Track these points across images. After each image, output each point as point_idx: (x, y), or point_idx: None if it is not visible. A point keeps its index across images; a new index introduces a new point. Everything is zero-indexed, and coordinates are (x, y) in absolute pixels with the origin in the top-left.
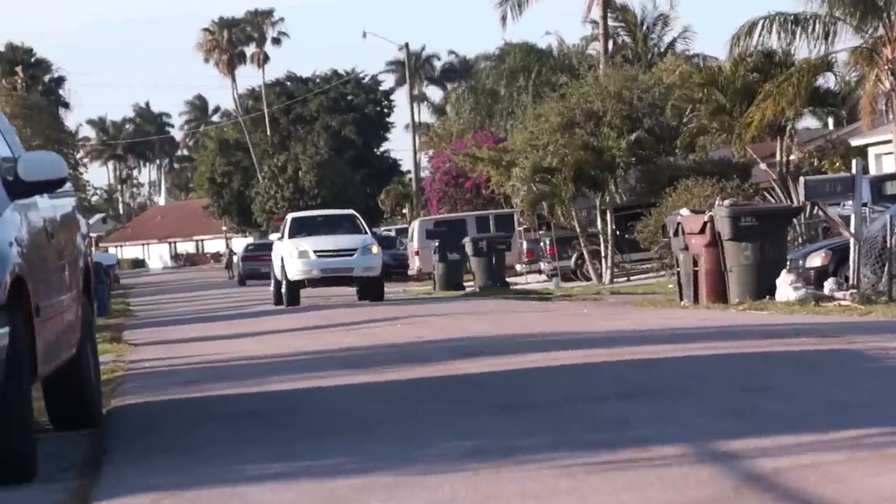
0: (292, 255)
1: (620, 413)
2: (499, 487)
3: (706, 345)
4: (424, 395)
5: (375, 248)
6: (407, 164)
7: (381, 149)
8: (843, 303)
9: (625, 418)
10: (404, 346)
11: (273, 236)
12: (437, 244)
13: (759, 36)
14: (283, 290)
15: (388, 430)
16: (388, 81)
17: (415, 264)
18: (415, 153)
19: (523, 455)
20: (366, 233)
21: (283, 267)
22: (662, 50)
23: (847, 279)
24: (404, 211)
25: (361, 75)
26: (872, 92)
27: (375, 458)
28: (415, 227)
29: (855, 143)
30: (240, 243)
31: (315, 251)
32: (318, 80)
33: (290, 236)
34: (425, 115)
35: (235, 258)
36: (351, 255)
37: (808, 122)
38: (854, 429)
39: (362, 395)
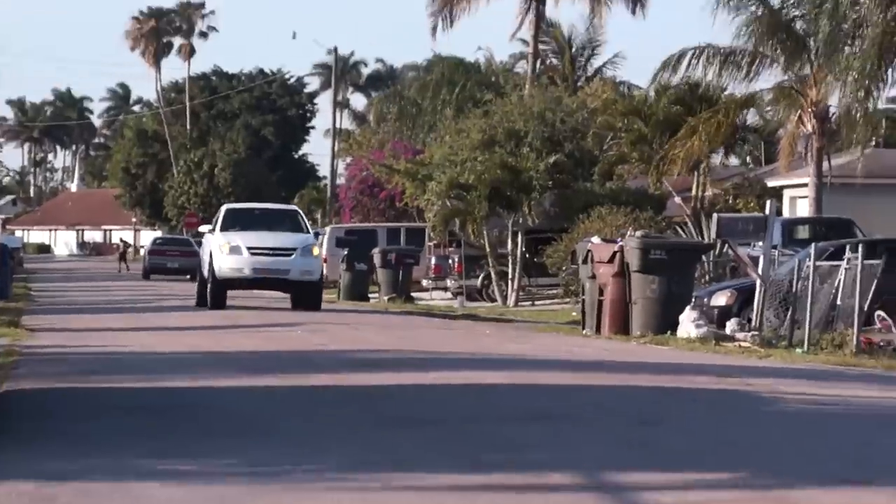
0: (222, 251)
1: (516, 436)
2: (386, 499)
3: (606, 375)
4: (321, 403)
5: (317, 251)
6: (324, 170)
7: (300, 152)
8: (743, 344)
9: (520, 442)
10: (305, 353)
11: (204, 228)
12: (345, 253)
13: (688, 68)
14: (208, 289)
15: (281, 435)
16: (313, 84)
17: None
18: (333, 159)
19: (414, 470)
20: (308, 232)
21: (210, 263)
22: (590, 74)
23: (750, 321)
24: (316, 216)
25: (287, 76)
26: (794, 133)
27: (269, 463)
28: (325, 234)
29: (772, 183)
30: (148, 236)
31: (249, 248)
32: (243, 78)
33: (223, 229)
34: (347, 123)
35: (142, 251)
36: (289, 255)
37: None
38: (743, 470)
39: (259, 398)
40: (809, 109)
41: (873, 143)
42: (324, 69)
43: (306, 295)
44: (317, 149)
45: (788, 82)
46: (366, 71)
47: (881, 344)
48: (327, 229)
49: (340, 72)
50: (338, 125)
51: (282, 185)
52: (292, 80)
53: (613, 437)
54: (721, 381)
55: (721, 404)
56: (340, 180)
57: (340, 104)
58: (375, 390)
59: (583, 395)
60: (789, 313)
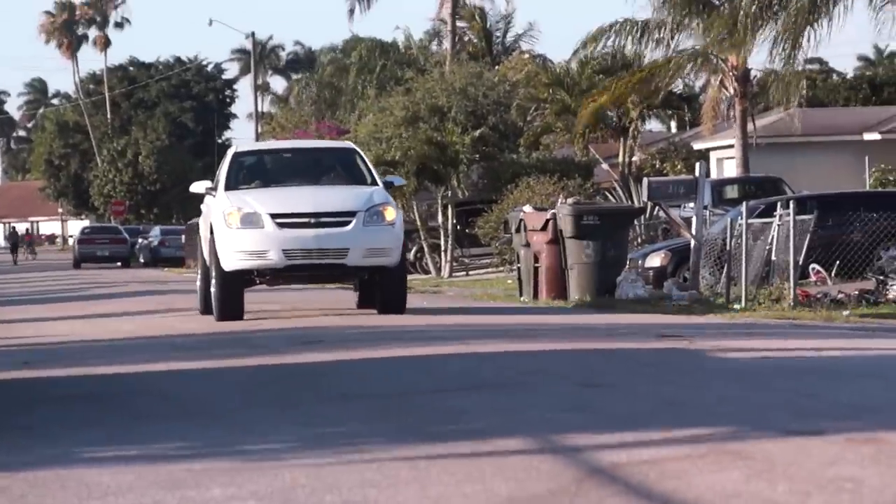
0: (230, 223)
1: (462, 405)
2: (339, 476)
3: (547, 340)
4: (263, 381)
5: (392, 213)
6: None
7: (223, 138)
8: (681, 303)
9: (466, 410)
10: (242, 333)
11: (199, 186)
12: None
13: (606, 41)
14: (213, 289)
15: (226, 416)
16: (232, 70)
17: None
18: (256, 142)
19: (363, 444)
20: (375, 183)
21: (213, 245)
22: (507, 47)
23: (685, 280)
24: None
25: (205, 63)
26: (715, 97)
27: (215, 444)
28: None
29: (698, 146)
30: (76, 226)
31: (274, 215)
32: (160, 67)
33: (230, 186)
34: (268, 106)
35: (70, 241)
36: (344, 223)
37: (652, 124)
38: (692, 427)
39: (201, 380)
40: (731, 73)
41: (796, 102)
42: (242, 54)
43: (383, 288)
44: (241, 133)
45: (711, 49)
46: (284, 54)
47: (818, 296)
48: None
49: (259, 56)
50: (259, 108)
51: (207, 170)
52: (210, 67)
53: (560, 401)
54: (663, 341)
55: (665, 363)
56: None
57: (261, 88)
58: (315, 367)
59: (526, 361)
60: (724, 271)
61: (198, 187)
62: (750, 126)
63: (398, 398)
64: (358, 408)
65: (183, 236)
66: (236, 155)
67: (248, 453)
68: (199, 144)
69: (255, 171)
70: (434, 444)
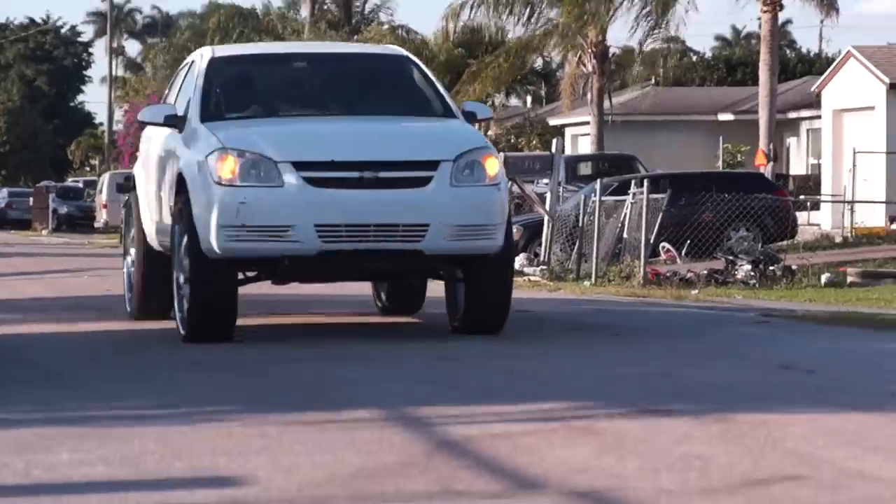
0: (222, 176)
1: (315, 375)
2: (189, 442)
3: (399, 313)
4: (115, 347)
5: (494, 164)
6: (101, 118)
7: (76, 101)
8: (532, 278)
9: (318, 381)
10: (94, 298)
11: (150, 113)
12: (126, 198)
13: (470, 14)
14: (182, 284)
15: (78, 381)
16: (87, 33)
17: (102, 217)
18: (109, 106)
19: (215, 412)
20: (448, 113)
21: (185, 216)
22: (366, 16)
23: (537, 255)
24: (93, 162)
25: (60, 25)
26: (574, 73)
27: (64, 409)
28: (105, 180)
29: (553, 122)
30: None
31: (301, 164)
32: (12, 27)
33: (211, 115)
34: (122, 70)
35: None
36: (422, 181)
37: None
38: (544, 401)
39: (52, 345)
40: (589, 50)
41: (652, 80)
42: (98, 17)
43: (472, 289)
44: (94, 97)
45: (570, 26)
46: (141, 18)
47: (667, 275)
48: (106, 175)
49: (115, 19)
50: (114, 73)
51: (58, 133)
52: (65, 29)
53: (412, 374)
54: (515, 316)
55: (517, 339)
56: (118, 127)
57: (115, 51)
58: (168, 333)
59: (378, 333)
60: (576, 247)
61: (152, 114)
62: (606, 103)
63: (251, 366)
64: (210, 375)
65: (31, 199)
66: (215, 62)
67: (99, 419)
68: (52, 107)
69: (250, 91)
70: (286, 413)
